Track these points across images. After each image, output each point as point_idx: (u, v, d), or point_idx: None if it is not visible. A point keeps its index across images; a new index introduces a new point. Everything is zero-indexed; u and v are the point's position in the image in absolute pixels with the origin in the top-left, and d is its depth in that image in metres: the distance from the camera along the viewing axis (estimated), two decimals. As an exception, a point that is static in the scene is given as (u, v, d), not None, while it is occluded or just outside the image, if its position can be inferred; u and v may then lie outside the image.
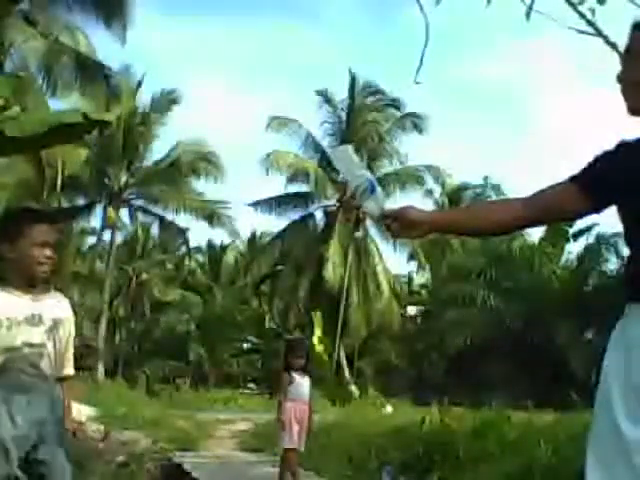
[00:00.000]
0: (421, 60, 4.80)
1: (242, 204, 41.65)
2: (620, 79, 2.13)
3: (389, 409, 18.38)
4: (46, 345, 3.15)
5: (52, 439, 3.17)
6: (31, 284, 3.15)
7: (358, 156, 2.35)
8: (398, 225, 2.19)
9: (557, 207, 2.15)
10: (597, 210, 2.12)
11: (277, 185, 46.95)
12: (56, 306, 3.23)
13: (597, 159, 2.10)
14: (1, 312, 3.05)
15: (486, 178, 35.07)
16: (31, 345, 3.10)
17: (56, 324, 3.19)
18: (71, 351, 3.34)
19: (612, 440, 1.96)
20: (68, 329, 3.27)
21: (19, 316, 3.08)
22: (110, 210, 29.86)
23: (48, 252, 3.12)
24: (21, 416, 3.06)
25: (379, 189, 2.25)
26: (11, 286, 3.12)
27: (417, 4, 4.71)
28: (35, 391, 3.14)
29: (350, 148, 2.37)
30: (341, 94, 31.35)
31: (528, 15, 4.59)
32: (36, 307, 3.14)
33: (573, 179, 2.11)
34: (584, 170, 2.11)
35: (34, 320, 3.12)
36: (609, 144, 2.11)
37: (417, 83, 4.86)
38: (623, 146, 2.07)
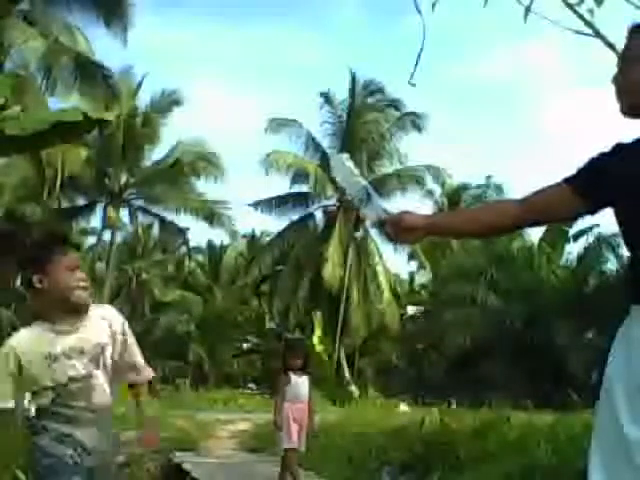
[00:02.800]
0: (416, 63, 4.80)
1: (242, 204, 41.72)
2: (615, 81, 2.13)
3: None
4: (93, 375, 2.98)
5: (102, 473, 3.05)
6: (73, 311, 2.97)
7: (354, 163, 2.40)
8: (395, 230, 2.23)
9: (552, 209, 2.15)
10: (592, 212, 2.12)
11: (277, 185, 47.07)
12: (98, 325, 3.04)
13: (592, 161, 2.10)
14: (40, 350, 2.90)
15: (489, 177, 34.97)
16: (75, 379, 2.94)
17: (102, 348, 3.02)
18: (138, 356, 3.18)
19: (614, 440, 1.97)
20: (120, 342, 3.11)
21: (58, 351, 2.92)
22: (110, 210, 29.86)
23: (79, 274, 2.96)
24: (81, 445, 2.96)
25: (376, 196, 2.29)
26: (49, 321, 2.96)
27: (415, 8, 4.71)
28: (84, 424, 2.99)
29: (345, 156, 2.41)
30: (341, 95, 31.41)
31: (525, 16, 4.60)
32: (76, 338, 2.97)
33: (568, 181, 2.11)
34: (579, 172, 2.11)
35: (75, 352, 2.95)
36: (606, 145, 2.11)
37: (412, 85, 4.87)
38: (619, 148, 2.07)
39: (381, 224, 2.27)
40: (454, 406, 14.89)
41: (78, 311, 2.98)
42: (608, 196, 2.05)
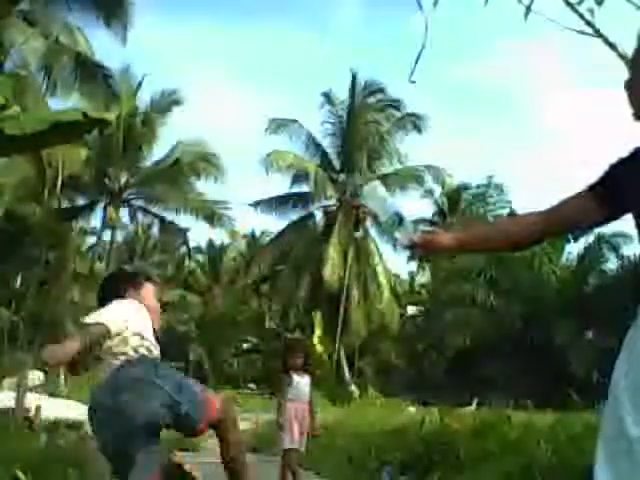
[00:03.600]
0: (417, 60, 4.79)
1: (242, 204, 41.76)
2: (628, 86, 2.12)
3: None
4: None
5: None
6: None
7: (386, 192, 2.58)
8: (427, 251, 2.41)
9: (576, 218, 2.16)
10: (615, 218, 2.12)
11: (277, 185, 47.10)
12: None
13: (613, 167, 2.09)
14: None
15: (490, 177, 34.94)
16: None
17: None
18: None
19: (620, 440, 1.97)
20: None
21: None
22: (110, 210, 29.86)
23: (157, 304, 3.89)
24: None
25: (407, 220, 2.44)
26: None
27: (417, 5, 4.69)
28: None
29: (379, 185, 2.59)
30: (342, 95, 31.42)
31: (526, 15, 4.59)
32: None
33: (589, 188, 2.11)
34: (601, 179, 2.10)
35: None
36: (620, 149, 2.10)
37: (412, 82, 4.86)
38: (638, 153, 2.06)
39: (413, 246, 2.35)
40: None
41: None
42: (627, 202, 2.05)
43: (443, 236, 2.30)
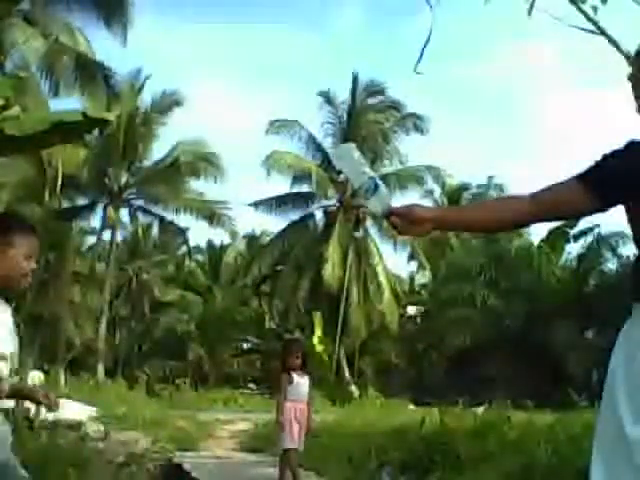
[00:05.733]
0: (422, 51, 4.79)
1: (242, 204, 41.73)
2: (632, 79, 2.12)
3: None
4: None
5: None
6: (7, 295, 2.92)
7: (361, 154, 2.31)
8: (402, 223, 2.16)
9: (563, 205, 2.12)
10: (603, 209, 2.09)
11: (277, 185, 47.06)
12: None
13: (605, 158, 2.08)
14: None
15: (490, 178, 34.96)
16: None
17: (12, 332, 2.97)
18: None
19: (616, 440, 1.97)
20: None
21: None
22: (110, 210, 29.87)
23: (33, 264, 2.90)
24: None
25: (383, 187, 2.21)
26: None
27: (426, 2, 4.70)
28: None
29: (352, 146, 2.31)
30: (342, 96, 31.42)
31: (530, 11, 4.59)
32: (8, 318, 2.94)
33: (580, 177, 2.08)
34: (591, 168, 2.08)
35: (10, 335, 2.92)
36: (614, 143, 2.09)
37: (418, 73, 4.87)
38: (632, 145, 2.06)
39: (388, 216, 2.18)
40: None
41: (12, 295, 2.98)
42: (620, 194, 2.04)
43: (422, 208, 2.17)
